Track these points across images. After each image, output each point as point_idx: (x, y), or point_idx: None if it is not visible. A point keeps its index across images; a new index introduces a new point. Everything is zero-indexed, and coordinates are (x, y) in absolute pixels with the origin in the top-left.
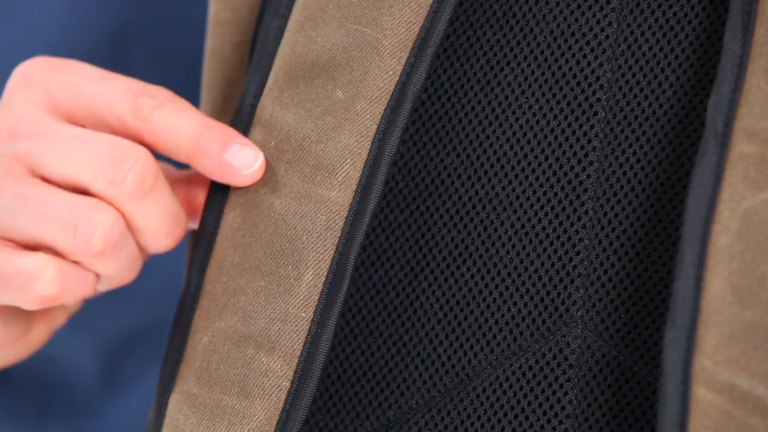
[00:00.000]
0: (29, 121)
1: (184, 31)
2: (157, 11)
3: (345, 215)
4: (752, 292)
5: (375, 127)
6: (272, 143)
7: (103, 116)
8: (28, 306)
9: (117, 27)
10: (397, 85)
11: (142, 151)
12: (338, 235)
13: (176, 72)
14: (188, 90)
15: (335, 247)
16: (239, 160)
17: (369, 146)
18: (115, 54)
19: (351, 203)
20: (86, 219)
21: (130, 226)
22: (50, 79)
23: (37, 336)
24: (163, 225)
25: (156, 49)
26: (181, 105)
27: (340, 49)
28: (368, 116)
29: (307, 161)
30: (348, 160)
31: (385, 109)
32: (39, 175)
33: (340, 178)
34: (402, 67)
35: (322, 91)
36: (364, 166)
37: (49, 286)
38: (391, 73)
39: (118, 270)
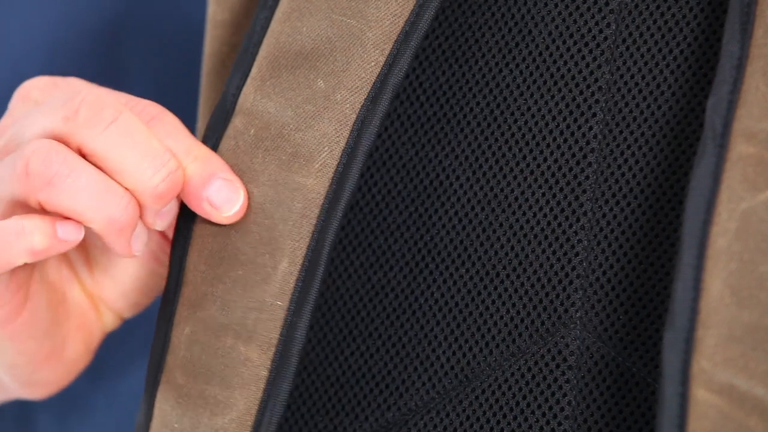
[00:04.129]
0: None
1: (183, 32)
2: (155, 12)
3: (321, 203)
4: (751, 293)
5: (354, 116)
6: (252, 131)
7: None
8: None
9: (115, 27)
10: (378, 76)
11: (98, 91)
12: (314, 223)
13: (175, 73)
14: (187, 90)
15: (311, 235)
16: (219, 198)
17: (347, 135)
18: (113, 55)
19: (327, 191)
20: (23, 158)
21: (102, 163)
22: (44, 96)
23: (74, 354)
24: (135, 157)
25: (154, 50)
26: (169, 126)
27: (324, 39)
28: (348, 105)
29: (285, 149)
30: (326, 148)
31: (366, 99)
32: None
33: (317, 165)
34: (384, 59)
35: (303, 81)
36: (342, 155)
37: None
38: (373, 64)
39: (91, 205)
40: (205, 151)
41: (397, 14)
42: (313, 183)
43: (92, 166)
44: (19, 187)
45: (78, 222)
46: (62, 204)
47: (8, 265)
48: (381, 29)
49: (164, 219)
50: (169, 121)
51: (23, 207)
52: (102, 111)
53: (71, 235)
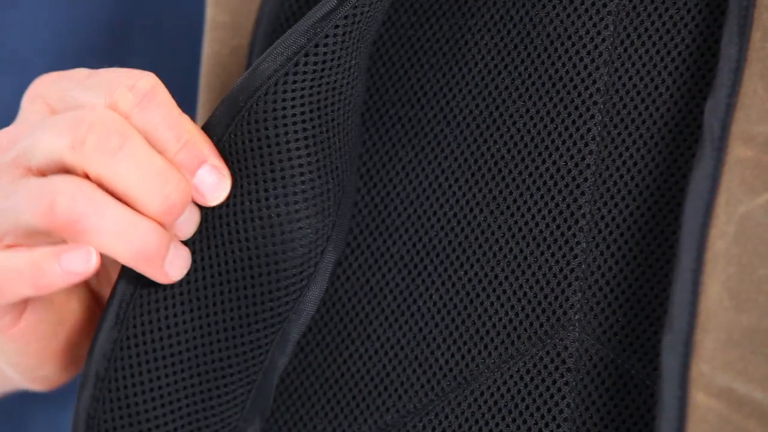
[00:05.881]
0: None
1: (182, 34)
2: (154, 13)
3: None
4: (749, 296)
5: None
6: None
7: None
8: None
9: (114, 29)
10: None
11: (103, 113)
12: None
13: (173, 75)
14: (186, 92)
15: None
16: (206, 186)
17: None
18: (113, 56)
19: None
20: (47, 195)
21: (108, 190)
22: (48, 91)
23: (81, 350)
24: (143, 183)
25: (153, 52)
26: (160, 108)
27: None
28: None
29: None
30: None
31: None
32: (33, 171)
33: None
34: None
35: None
36: None
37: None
38: None
39: (117, 241)
40: (191, 134)
41: None
42: None
43: (115, 202)
44: (42, 223)
45: (88, 252)
46: (88, 243)
47: (13, 298)
48: None
49: (188, 226)
50: (160, 101)
51: (38, 236)
52: (109, 139)
53: (80, 267)
